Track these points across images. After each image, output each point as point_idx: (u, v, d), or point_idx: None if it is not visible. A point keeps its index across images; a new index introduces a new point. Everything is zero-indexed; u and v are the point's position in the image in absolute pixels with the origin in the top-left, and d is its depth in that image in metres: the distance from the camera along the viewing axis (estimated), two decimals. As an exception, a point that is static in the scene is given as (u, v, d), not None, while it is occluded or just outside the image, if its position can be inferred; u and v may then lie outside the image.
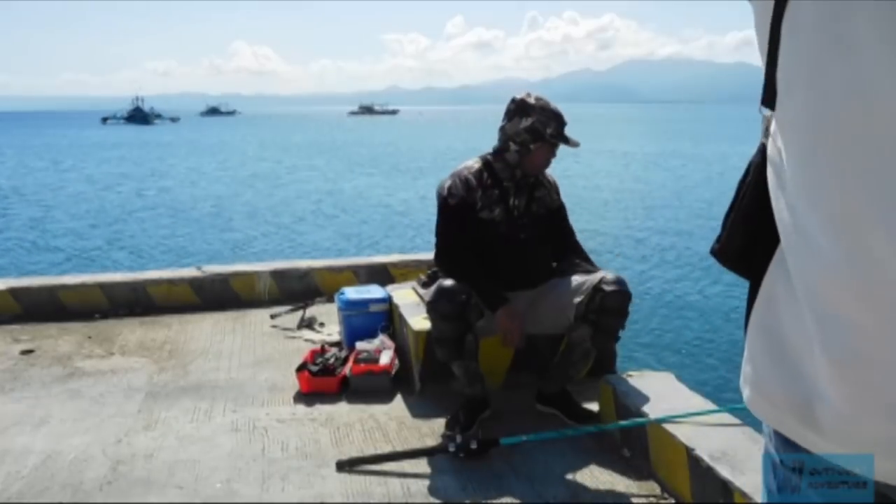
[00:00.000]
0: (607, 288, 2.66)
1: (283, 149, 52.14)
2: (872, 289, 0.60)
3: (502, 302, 2.72)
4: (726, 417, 2.40)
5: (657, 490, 2.35)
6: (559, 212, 2.98)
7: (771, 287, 0.75)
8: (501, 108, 2.87)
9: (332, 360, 3.31)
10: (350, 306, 3.63)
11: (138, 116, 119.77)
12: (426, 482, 2.41)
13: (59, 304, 4.47)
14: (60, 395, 3.21)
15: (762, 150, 0.76)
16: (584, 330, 2.71)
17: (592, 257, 3.00)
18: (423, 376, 3.13)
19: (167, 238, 16.04)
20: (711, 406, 2.49)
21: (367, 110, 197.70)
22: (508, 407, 2.95)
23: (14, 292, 4.44)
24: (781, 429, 0.74)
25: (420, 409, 3.00)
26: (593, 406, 2.89)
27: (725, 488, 1.98)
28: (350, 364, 3.26)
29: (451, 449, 2.51)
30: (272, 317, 4.23)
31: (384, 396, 3.13)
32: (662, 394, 2.60)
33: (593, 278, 2.72)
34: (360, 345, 3.41)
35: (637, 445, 2.53)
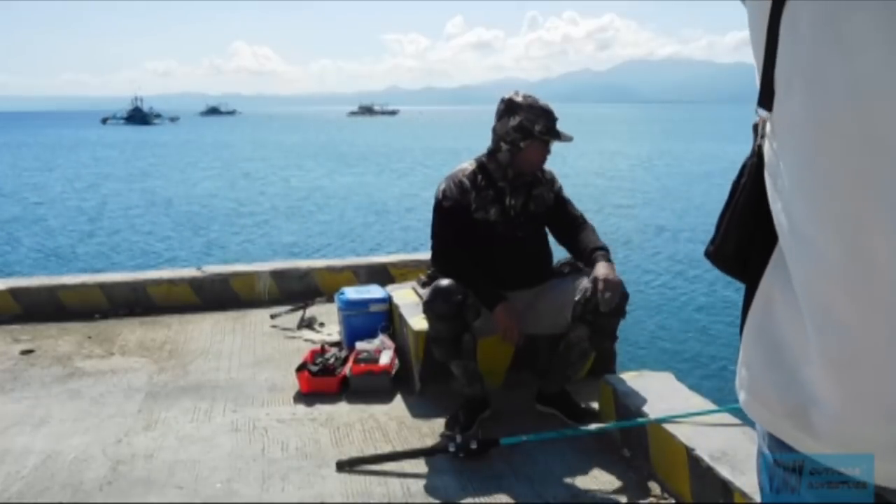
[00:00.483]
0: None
1: (276, 148, 52.40)
2: (872, 292, 0.60)
3: (500, 300, 2.72)
4: (726, 417, 2.40)
5: (657, 490, 2.35)
6: (559, 206, 2.95)
7: (768, 290, 0.74)
8: (501, 109, 2.87)
9: (332, 360, 3.31)
10: (350, 306, 3.63)
11: (137, 116, 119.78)
12: (426, 482, 2.41)
13: (59, 304, 4.47)
14: (60, 395, 3.21)
15: (757, 152, 0.75)
16: (582, 330, 2.71)
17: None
18: (423, 376, 3.13)
19: (141, 238, 16.06)
20: (711, 406, 2.49)
21: (367, 110, 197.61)
22: (508, 407, 2.95)
23: (14, 292, 4.45)
24: (777, 433, 0.74)
25: (420, 410, 3.00)
26: (593, 406, 2.89)
27: (725, 488, 1.98)
28: (350, 364, 3.26)
29: (451, 449, 2.51)
30: (272, 317, 4.23)
31: (384, 396, 3.13)
32: (662, 394, 2.60)
33: (594, 270, 2.71)
34: (360, 345, 3.41)
35: (637, 445, 2.53)
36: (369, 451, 2.62)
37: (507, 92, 2.88)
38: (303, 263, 4.98)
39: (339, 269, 4.82)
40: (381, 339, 3.43)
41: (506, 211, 2.83)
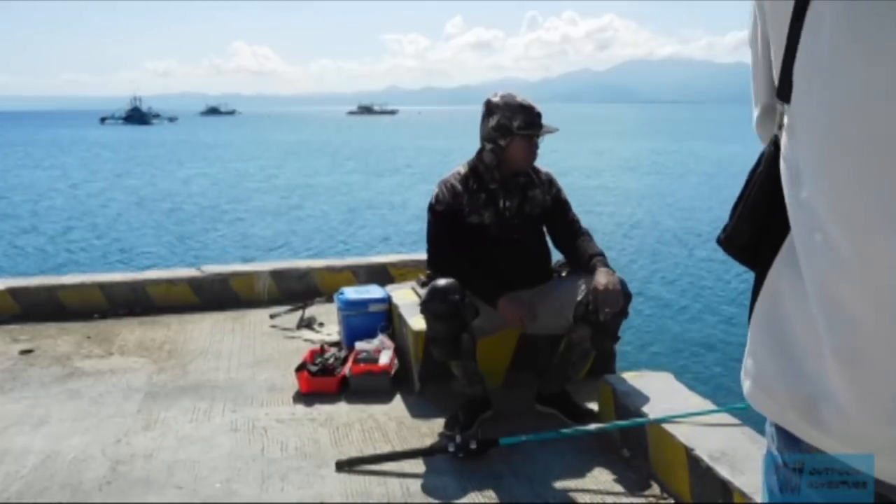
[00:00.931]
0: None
1: (270, 147, 52.59)
2: (887, 292, 0.60)
3: (501, 293, 2.72)
4: (726, 417, 2.40)
5: (657, 490, 2.35)
6: (558, 208, 2.96)
7: (776, 281, 0.74)
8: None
9: (331, 360, 3.31)
10: (349, 306, 3.63)
11: (136, 116, 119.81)
12: (425, 482, 2.41)
13: (59, 304, 4.47)
14: (60, 395, 3.21)
15: (775, 142, 0.75)
16: (584, 330, 2.71)
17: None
18: (423, 376, 3.13)
19: (118, 237, 16.03)
20: (711, 406, 2.49)
21: (367, 110, 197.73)
22: (508, 407, 2.95)
23: (13, 292, 4.44)
24: (783, 423, 0.74)
25: (419, 410, 3.00)
26: (593, 406, 2.89)
27: (725, 488, 1.98)
28: (349, 364, 3.26)
29: (451, 449, 2.51)
30: (271, 317, 4.23)
31: (383, 396, 3.13)
32: (662, 394, 2.60)
33: (593, 278, 2.71)
34: (359, 345, 3.41)
35: (637, 445, 2.53)
36: (369, 451, 2.62)
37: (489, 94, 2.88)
38: (302, 263, 4.98)
39: (339, 269, 4.82)
40: (381, 339, 3.43)
41: (500, 213, 2.83)
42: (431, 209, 2.86)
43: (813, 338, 0.68)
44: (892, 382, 0.62)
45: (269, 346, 3.86)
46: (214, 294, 4.65)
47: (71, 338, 4.00)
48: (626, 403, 2.59)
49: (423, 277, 3.49)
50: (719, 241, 0.84)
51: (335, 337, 3.85)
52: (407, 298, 3.53)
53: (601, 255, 2.79)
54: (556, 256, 3.04)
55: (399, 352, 3.38)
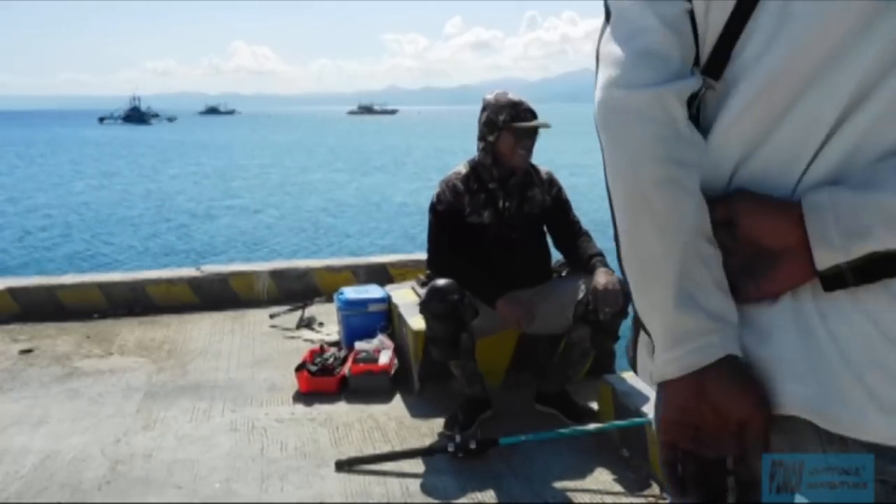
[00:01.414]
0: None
1: (262, 147, 52.70)
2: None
3: (500, 293, 2.72)
4: (725, 417, 2.39)
5: (656, 490, 2.36)
6: (558, 208, 2.95)
7: None
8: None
9: (331, 360, 3.31)
10: (349, 306, 3.63)
11: (135, 116, 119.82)
12: (425, 482, 2.41)
13: (58, 304, 4.46)
14: (59, 394, 3.21)
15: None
16: (584, 330, 2.71)
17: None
18: (423, 376, 3.13)
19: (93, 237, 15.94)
20: (710, 406, 2.49)
21: (367, 110, 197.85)
22: (507, 407, 2.95)
23: (13, 292, 4.44)
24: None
25: (419, 409, 3.00)
26: (592, 406, 2.89)
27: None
28: (349, 364, 3.26)
29: (450, 449, 2.51)
30: (271, 316, 4.23)
31: (383, 396, 3.13)
32: (661, 394, 2.59)
33: (593, 278, 2.71)
34: (359, 345, 3.41)
35: (636, 445, 2.53)
36: (368, 450, 2.62)
37: (514, 91, 2.89)
38: (302, 263, 4.98)
39: (339, 268, 4.82)
40: (380, 339, 3.43)
41: (500, 213, 2.83)
42: (433, 209, 2.86)
43: None
44: None
45: (268, 345, 3.86)
46: (214, 294, 4.64)
47: (70, 338, 3.99)
48: (626, 403, 2.59)
49: (422, 277, 3.49)
50: None
51: (335, 337, 3.85)
52: (406, 298, 3.53)
53: (601, 255, 2.79)
54: (556, 256, 3.04)
55: (399, 351, 3.38)
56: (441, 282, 2.70)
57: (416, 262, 4.65)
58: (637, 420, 2.47)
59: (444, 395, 3.01)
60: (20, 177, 29.66)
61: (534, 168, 2.93)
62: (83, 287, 4.57)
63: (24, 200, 21.61)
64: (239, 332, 4.07)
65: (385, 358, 3.26)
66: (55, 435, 2.79)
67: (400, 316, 3.42)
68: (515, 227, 2.85)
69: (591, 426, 2.66)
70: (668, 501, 2.28)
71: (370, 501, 2.31)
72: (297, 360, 3.36)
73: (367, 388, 3.17)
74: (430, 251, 2.88)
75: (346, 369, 3.23)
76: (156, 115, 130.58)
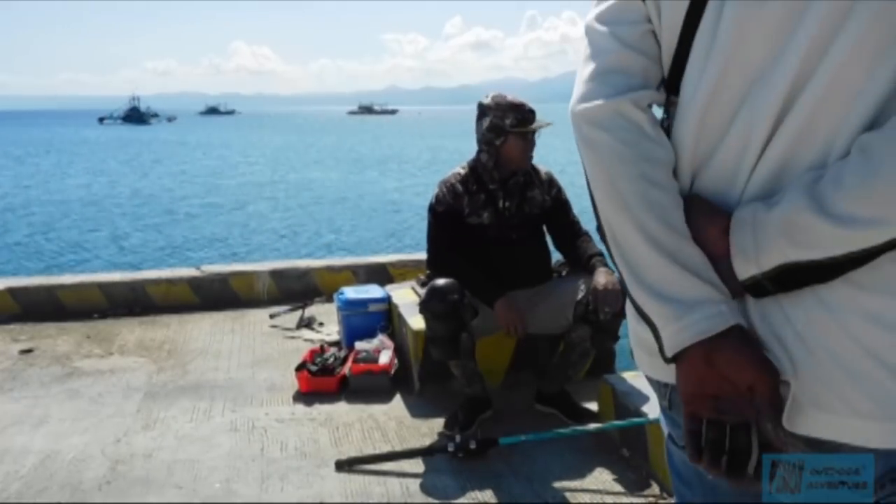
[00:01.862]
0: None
1: (258, 148, 52.87)
2: None
3: (499, 294, 2.72)
4: (725, 417, 2.39)
5: (656, 490, 2.36)
6: (558, 208, 2.95)
7: None
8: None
9: (331, 360, 3.31)
10: (349, 306, 3.63)
11: (135, 116, 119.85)
12: (425, 482, 2.41)
13: (58, 304, 4.47)
14: (59, 394, 3.21)
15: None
16: (584, 330, 2.71)
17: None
18: (423, 376, 3.13)
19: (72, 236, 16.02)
20: (710, 406, 2.49)
21: (367, 110, 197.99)
22: (507, 407, 2.95)
23: (13, 292, 4.44)
24: None
25: (419, 409, 3.00)
26: (592, 406, 2.89)
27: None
28: (349, 364, 3.26)
29: (450, 449, 2.51)
30: (271, 316, 4.23)
31: (383, 396, 3.13)
32: (661, 394, 2.59)
33: (593, 278, 2.71)
34: (359, 344, 3.41)
35: (636, 445, 2.53)
36: (368, 450, 2.62)
37: (514, 93, 2.90)
38: (302, 263, 4.98)
39: (339, 268, 4.82)
40: (381, 339, 3.43)
41: (500, 213, 2.83)
42: (432, 210, 2.87)
43: None
44: None
45: (268, 345, 3.86)
46: (214, 294, 4.64)
47: (70, 337, 4.00)
48: (626, 403, 2.59)
49: (422, 277, 3.49)
50: None
51: (335, 336, 3.85)
52: (406, 298, 3.53)
53: (601, 255, 2.79)
54: (556, 256, 3.04)
55: (399, 351, 3.38)
56: (441, 282, 2.70)
57: (417, 262, 4.65)
58: (637, 420, 2.47)
59: (445, 395, 3.01)
60: (8, 175, 29.77)
61: (534, 168, 2.93)
62: (83, 287, 4.57)
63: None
64: (239, 332, 4.07)
65: (385, 358, 3.26)
66: (55, 435, 2.79)
67: (400, 316, 3.42)
68: (515, 228, 2.85)
69: (591, 426, 2.66)
70: (668, 501, 2.28)
71: (370, 501, 2.31)
72: (298, 360, 3.36)
73: (367, 387, 3.17)
74: (429, 252, 2.89)
75: (346, 369, 3.24)
76: (155, 116, 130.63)
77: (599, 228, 0.89)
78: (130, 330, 4.13)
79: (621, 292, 2.61)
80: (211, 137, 69.84)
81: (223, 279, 4.70)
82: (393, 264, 4.81)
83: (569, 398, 2.89)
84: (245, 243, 14.72)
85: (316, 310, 4.29)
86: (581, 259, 2.83)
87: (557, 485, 2.40)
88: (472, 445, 2.51)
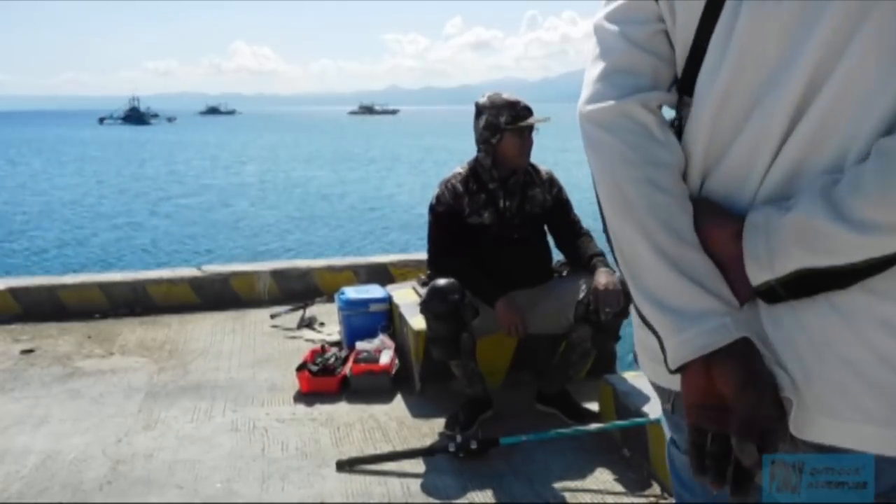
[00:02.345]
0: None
1: (253, 147, 53.12)
2: None
3: (500, 294, 2.72)
4: (726, 417, 2.39)
5: (657, 490, 2.36)
6: (559, 207, 2.95)
7: None
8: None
9: (332, 360, 3.31)
10: (350, 306, 3.64)
11: (135, 116, 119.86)
12: (426, 482, 2.41)
13: (59, 304, 4.47)
14: (60, 394, 3.21)
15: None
16: (585, 330, 2.71)
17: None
18: (424, 376, 3.13)
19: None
20: (711, 406, 2.49)
21: (368, 110, 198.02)
22: (508, 407, 2.95)
23: (14, 292, 4.44)
24: None
25: (420, 409, 3.00)
26: (593, 406, 2.89)
27: (725, 488, 1.98)
28: (350, 364, 3.26)
29: (451, 449, 2.51)
30: (272, 316, 4.23)
31: (384, 396, 3.13)
32: (662, 393, 2.59)
33: (594, 278, 2.71)
34: (360, 344, 3.41)
35: (637, 445, 2.53)
36: (369, 450, 2.62)
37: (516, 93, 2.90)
38: (302, 263, 4.98)
39: (339, 268, 4.82)
40: (381, 339, 3.43)
41: (500, 213, 2.83)
42: (432, 210, 2.87)
43: None
44: None
45: (269, 345, 3.86)
46: (215, 294, 4.65)
47: (71, 337, 4.00)
48: (627, 403, 2.59)
49: (423, 277, 3.49)
50: None
51: (336, 337, 3.85)
52: (407, 298, 3.53)
53: (601, 255, 2.79)
54: (557, 256, 3.04)
55: (400, 351, 3.38)
56: (442, 282, 2.70)
57: (417, 262, 4.65)
58: (638, 420, 2.47)
59: (445, 395, 3.01)
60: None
61: (534, 168, 2.93)
62: (84, 287, 4.57)
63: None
64: (240, 332, 4.07)
65: (386, 358, 3.26)
66: (56, 435, 2.80)
67: (401, 316, 3.42)
68: (516, 227, 2.85)
69: (592, 426, 2.66)
70: (669, 501, 2.28)
71: (371, 501, 2.31)
72: (298, 360, 3.36)
73: (368, 388, 3.17)
74: (430, 252, 2.89)
75: (347, 369, 3.24)
76: (155, 116, 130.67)
77: (606, 231, 0.87)
78: (131, 330, 4.13)
79: (622, 292, 2.61)
80: (207, 137, 69.94)
81: (224, 279, 4.70)
82: (394, 264, 4.81)
83: (569, 398, 2.89)
84: (215, 242, 14.98)
85: (317, 310, 4.29)
86: (582, 259, 2.83)
87: (558, 485, 2.40)
88: (473, 445, 2.51)
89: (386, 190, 24.30)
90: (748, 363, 0.74)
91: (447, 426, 2.78)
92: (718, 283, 0.77)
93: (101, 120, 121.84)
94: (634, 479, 2.42)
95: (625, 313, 2.68)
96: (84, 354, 3.75)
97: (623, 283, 2.66)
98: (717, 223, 0.79)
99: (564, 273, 2.97)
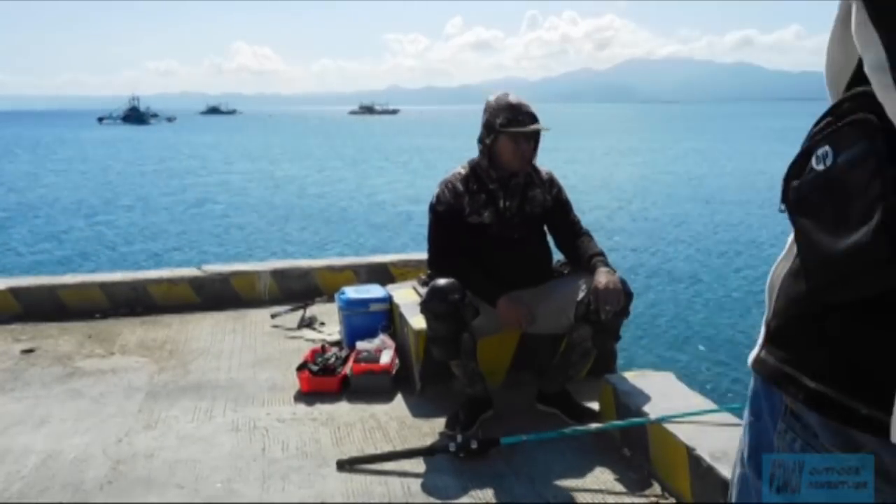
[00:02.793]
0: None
1: (250, 148, 53.14)
2: None
3: (501, 292, 2.72)
4: (727, 417, 2.40)
5: (657, 490, 2.35)
6: (559, 208, 2.95)
7: None
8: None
9: (332, 360, 3.31)
10: (350, 306, 3.64)
11: (134, 116, 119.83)
12: (426, 482, 2.41)
13: (60, 304, 4.47)
14: (61, 394, 3.21)
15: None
16: (585, 330, 2.71)
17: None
18: (424, 376, 3.13)
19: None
20: (711, 406, 2.49)
21: (368, 110, 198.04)
22: (508, 406, 2.95)
23: (14, 292, 4.45)
24: None
25: (420, 409, 3.00)
26: (594, 406, 2.89)
27: (726, 488, 1.98)
28: (350, 363, 3.26)
29: (452, 448, 2.51)
30: (272, 316, 4.23)
31: (385, 396, 3.13)
32: (662, 393, 2.60)
33: (594, 278, 2.71)
34: (360, 344, 3.41)
35: (637, 445, 2.53)
36: (370, 450, 2.62)
37: (517, 92, 2.90)
38: (303, 263, 4.98)
39: (340, 268, 4.82)
40: (382, 339, 3.43)
41: (500, 213, 2.83)
42: (433, 209, 2.87)
43: None
44: None
45: (270, 345, 3.86)
46: (215, 293, 4.65)
47: (72, 337, 4.00)
48: (627, 403, 2.59)
49: (423, 277, 3.49)
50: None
51: (336, 336, 3.85)
52: (408, 298, 3.53)
53: (601, 254, 2.79)
54: (557, 256, 3.04)
55: (400, 351, 3.38)
56: (442, 281, 2.70)
57: (418, 262, 4.66)
58: (638, 420, 2.47)
59: (446, 395, 3.01)
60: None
61: (534, 168, 2.93)
62: (85, 287, 4.57)
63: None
64: (240, 332, 4.07)
65: (386, 358, 3.26)
66: (57, 435, 2.80)
67: (401, 315, 3.42)
68: (517, 227, 2.85)
69: (593, 426, 2.66)
70: (669, 501, 2.28)
71: (372, 501, 2.31)
72: (299, 360, 3.36)
73: (368, 387, 3.17)
74: (430, 251, 2.89)
75: (347, 369, 3.24)
76: (155, 115, 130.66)
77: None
78: (132, 330, 4.13)
79: (622, 292, 2.61)
80: (204, 137, 70.01)
81: (224, 279, 4.70)
82: (394, 264, 4.81)
83: (570, 398, 2.89)
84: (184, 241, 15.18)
85: (317, 309, 4.29)
86: (582, 258, 2.83)
87: (559, 484, 2.40)
88: (474, 445, 2.51)
89: (366, 189, 24.57)
90: None
91: (447, 426, 2.79)
92: None
93: (101, 120, 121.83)
94: (634, 479, 2.42)
95: (625, 313, 2.68)
96: (84, 354, 3.75)
97: (623, 282, 2.66)
98: None
99: (565, 273, 2.97)
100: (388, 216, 18.27)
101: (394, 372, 3.22)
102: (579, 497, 2.34)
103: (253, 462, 2.56)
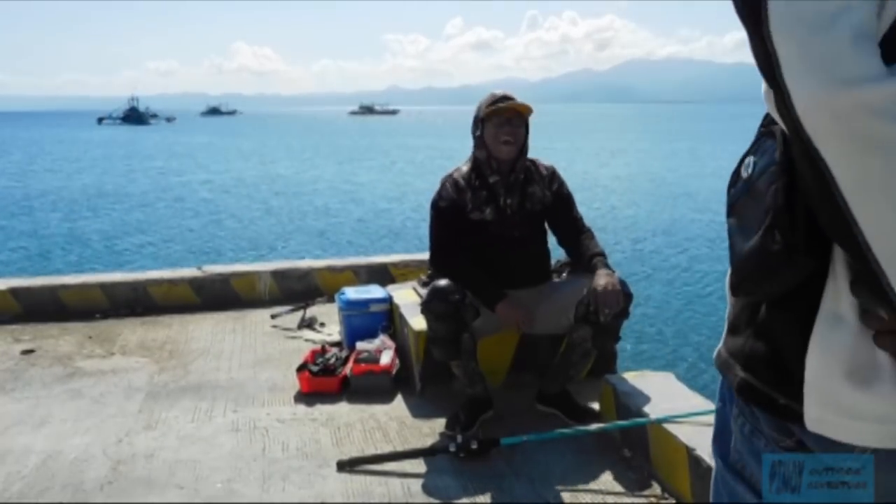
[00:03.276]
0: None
1: (247, 148, 53.22)
2: None
3: (500, 297, 2.72)
4: (726, 417, 2.39)
5: (657, 490, 2.35)
6: (560, 203, 2.92)
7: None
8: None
9: (332, 360, 3.31)
10: (350, 306, 3.64)
11: (134, 116, 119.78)
12: (426, 482, 2.41)
13: (60, 304, 4.47)
14: (61, 395, 3.21)
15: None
16: (585, 330, 2.71)
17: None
18: (424, 376, 3.13)
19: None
20: (711, 406, 2.48)
21: (368, 110, 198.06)
22: (509, 407, 2.95)
23: (14, 292, 4.45)
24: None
25: (421, 409, 3.00)
26: (594, 406, 2.89)
27: (726, 488, 1.98)
28: (351, 364, 3.26)
29: (452, 449, 2.51)
30: (273, 317, 4.23)
31: (385, 396, 3.13)
32: (663, 394, 2.60)
33: (593, 279, 2.71)
34: (360, 345, 3.41)
35: (637, 445, 2.53)
36: (370, 450, 2.62)
37: (519, 91, 2.93)
38: (303, 263, 4.99)
39: (340, 268, 4.82)
40: (382, 339, 3.43)
41: (501, 210, 2.83)
42: (435, 205, 2.87)
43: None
44: None
45: (270, 346, 3.86)
46: (215, 294, 4.65)
47: (72, 338, 4.00)
48: (627, 403, 2.59)
49: (423, 277, 3.49)
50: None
51: (336, 337, 3.85)
52: (408, 298, 3.53)
53: (602, 254, 2.78)
54: (557, 255, 3.04)
55: (400, 352, 3.38)
56: (442, 282, 2.70)
57: (418, 262, 4.66)
58: (638, 420, 2.47)
59: (446, 396, 3.01)
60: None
61: (534, 164, 2.92)
62: (85, 287, 4.57)
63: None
64: (240, 333, 4.07)
65: (386, 358, 3.26)
66: (57, 435, 2.80)
67: (401, 316, 3.42)
68: (517, 225, 2.85)
69: (593, 426, 2.66)
70: (669, 501, 2.28)
71: (372, 501, 2.31)
72: (299, 361, 3.36)
73: (368, 388, 3.17)
74: (432, 248, 2.89)
75: (347, 369, 3.24)
76: (154, 116, 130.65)
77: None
78: (132, 330, 4.13)
79: (622, 293, 2.61)
80: (200, 138, 70.08)
81: (224, 279, 4.70)
82: (395, 264, 4.81)
83: (570, 398, 2.89)
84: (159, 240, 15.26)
85: (317, 310, 4.29)
86: (583, 258, 2.82)
87: (559, 485, 2.40)
88: (474, 446, 2.51)
89: (356, 188, 24.64)
90: None
91: (448, 426, 2.78)
92: None
93: (100, 120, 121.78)
94: (634, 479, 2.42)
95: (625, 314, 2.68)
96: (85, 354, 3.75)
97: (623, 283, 2.66)
98: None
99: (565, 273, 2.97)
100: (389, 216, 18.28)
101: (394, 372, 3.22)
102: (579, 497, 2.34)
103: (253, 462, 2.56)
